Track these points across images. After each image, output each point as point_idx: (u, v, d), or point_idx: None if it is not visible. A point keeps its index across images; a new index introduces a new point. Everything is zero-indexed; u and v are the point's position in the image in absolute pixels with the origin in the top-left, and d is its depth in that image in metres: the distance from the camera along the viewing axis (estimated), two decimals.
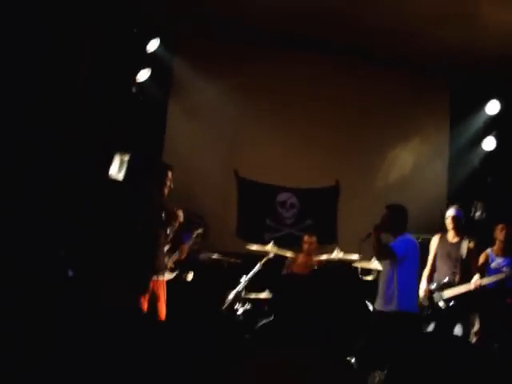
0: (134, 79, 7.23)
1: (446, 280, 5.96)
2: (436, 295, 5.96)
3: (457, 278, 5.97)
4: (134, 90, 7.21)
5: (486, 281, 5.95)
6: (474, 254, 6.16)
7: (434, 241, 6.28)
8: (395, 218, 5.43)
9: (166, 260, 5.29)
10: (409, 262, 5.18)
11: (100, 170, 6.89)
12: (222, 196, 7.90)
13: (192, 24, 7.50)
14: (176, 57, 7.75)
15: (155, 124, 7.66)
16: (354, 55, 8.00)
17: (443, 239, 6.21)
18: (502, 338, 5.83)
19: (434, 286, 6.02)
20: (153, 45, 7.25)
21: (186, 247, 5.54)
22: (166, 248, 5.27)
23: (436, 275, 6.13)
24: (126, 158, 7.04)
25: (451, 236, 6.15)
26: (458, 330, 5.77)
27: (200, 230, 5.85)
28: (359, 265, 6.34)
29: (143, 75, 7.27)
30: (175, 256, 5.47)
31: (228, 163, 7.93)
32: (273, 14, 7.00)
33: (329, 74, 8.08)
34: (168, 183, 5.13)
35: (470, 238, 6.12)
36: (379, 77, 8.18)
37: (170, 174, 5.14)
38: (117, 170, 7.00)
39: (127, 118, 7.15)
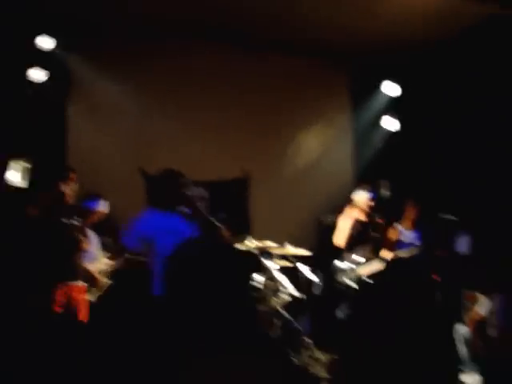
0: (29, 80, 6.87)
1: (359, 259, 6.09)
2: (350, 274, 6.06)
3: (370, 256, 6.12)
4: (30, 91, 6.84)
5: (401, 254, 6.14)
6: (383, 230, 6.34)
7: (345, 221, 6.38)
8: None
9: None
10: None
11: None
12: (132, 196, 7.66)
13: (89, 21, 7.21)
14: (72, 56, 7.40)
15: (56, 126, 7.32)
16: (256, 44, 7.98)
17: (353, 219, 6.34)
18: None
19: (348, 265, 6.13)
20: (48, 43, 6.90)
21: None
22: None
23: (349, 254, 6.25)
24: (28, 164, 6.70)
25: (361, 215, 6.30)
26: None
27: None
28: (275, 251, 6.34)
29: (40, 76, 6.92)
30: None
31: (136, 161, 7.70)
32: (167, 4, 6.83)
33: (233, 64, 8.01)
34: (71, 186, 4.99)
35: (379, 215, 6.30)
36: (281, 64, 8.23)
37: (72, 176, 5.02)
38: (20, 177, 6.64)
39: (25, 122, 6.78)
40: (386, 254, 6.17)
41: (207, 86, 7.90)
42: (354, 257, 6.18)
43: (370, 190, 6.29)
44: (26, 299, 4.57)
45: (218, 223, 6.06)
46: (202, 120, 7.90)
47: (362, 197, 6.29)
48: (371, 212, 6.30)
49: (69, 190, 5.09)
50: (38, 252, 4.75)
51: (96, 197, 5.65)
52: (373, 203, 6.26)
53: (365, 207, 6.27)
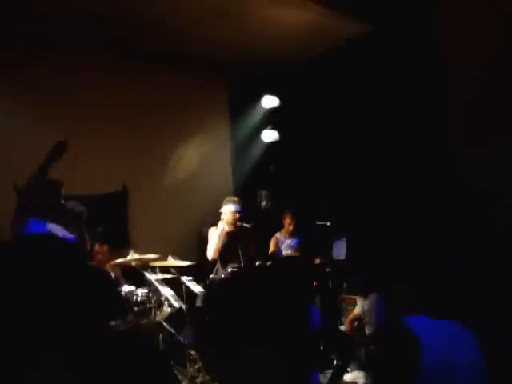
0: None
1: (231, 270, 6.13)
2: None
3: (239, 266, 6.18)
4: None
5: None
6: (253, 240, 6.44)
7: (213, 234, 6.35)
8: None
9: None
10: None
11: None
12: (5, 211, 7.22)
13: None
14: None
15: None
16: (135, 54, 7.85)
17: (221, 231, 6.34)
18: None
19: (220, 276, 6.16)
20: None
21: None
22: None
23: (224, 266, 6.27)
24: None
25: (229, 227, 6.33)
26: None
27: None
28: (157, 263, 6.26)
29: None
30: None
31: (7, 174, 7.26)
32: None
33: (113, 75, 7.81)
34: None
35: (247, 225, 6.40)
36: (161, 75, 8.13)
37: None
38: None
39: None
40: (261, 261, 6.29)
41: (88, 97, 7.63)
42: (228, 268, 6.23)
43: (236, 203, 6.36)
44: None
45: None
46: (80, 132, 7.57)
47: (228, 209, 6.33)
48: (238, 223, 6.38)
49: None
50: None
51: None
52: (239, 215, 6.33)
53: (232, 219, 6.33)
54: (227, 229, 6.30)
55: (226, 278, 5.87)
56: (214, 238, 6.29)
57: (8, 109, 7.22)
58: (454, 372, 2.04)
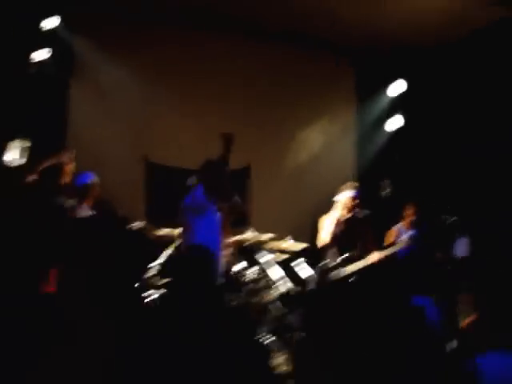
0: (32, 59, 6.79)
1: (344, 256, 6.04)
2: (335, 272, 6.00)
3: (355, 253, 6.06)
4: (32, 70, 6.78)
5: (388, 252, 6.09)
6: (368, 227, 6.28)
7: (326, 221, 6.29)
8: None
9: None
10: None
11: None
12: (133, 181, 7.63)
13: (94, 2, 7.15)
14: (77, 36, 7.34)
15: (57, 107, 7.25)
16: (264, 35, 7.91)
17: (336, 218, 6.25)
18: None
19: (332, 263, 6.08)
20: (52, 23, 6.82)
21: None
22: None
23: (335, 253, 6.19)
24: (27, 144, 6.65)
25: (346, 213, 6.22)
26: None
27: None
28: (273, 244, 6.31)
29: (42, 55, 6.83)
30: None
31: (137, 147, 7.66)
32: None
33: (240, 54, 7.98)
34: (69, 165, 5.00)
35: (363, 212, 6.24)
36: (288, 57, 8.18)
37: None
38: (18, 157, 6.59)
39: (26, 101, 6.72)
40: (373, 252, 6.13)
41: (211, 75, 7.86)
42: (340, 255, 6.13)
43: (353, 189, 6.21)
44: (22, 279, 4.55)
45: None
46: (205, 109, 7.85)
47: (345, 196, 6.21)
48: (355, 210, 6.23)
49: (67, 159, 5.06)
50: (33, 233, 4.72)
51: (85, 172, 5.61)
52: (356, 202, 6.18)
53: (348, 206, 6.19)
54: (343, 215, 6.20)
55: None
56: (327, 224, 6.23)
57: (140, 81, 7.58)
58: None
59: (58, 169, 5.23)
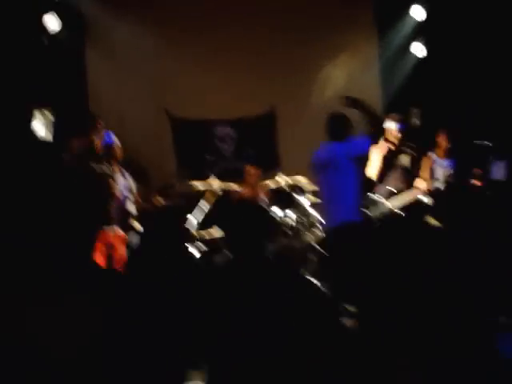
0: (44, 28, 6.70)
1: (392, 189, 5.99)
2: (383, 206, 5.96)
3: (403, 186, 6.01)
4: (45, 40, 6.70)
5: (435, 183, 6.04)
6: (415, 160, 6.21)
7: (375, 152, 6.24)
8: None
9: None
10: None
11: (22, 129, 6.49)
12: (158, 138, 7.62)
13: None
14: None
15: (75, 73, 7.21)
16: None
17: (384, 150, 6.19)
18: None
19: (381, 196, 6.03)
20: None
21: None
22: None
23: (381, 186, 6.14)
24: (51, 116, 6.66)
25: (390, 146, 6.14)
26: None
27: None
28: (306, 186, 6.26)
29: (54, 24, 6.74)
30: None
31: (159, 103, 7.60)
32: None
33: None
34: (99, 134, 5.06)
35: (409, 145, 6.15)
36: None
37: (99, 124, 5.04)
38: (44, 130, 6.62)
39: (43, 71, 6.67)
40: (420, 184, 6.06)
41: (229, 21, 7.69)
42: (387, 188, 6.06)
43: (398, 121, 6.08)
44: (68, 248, 4.65)
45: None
46: (224, 57, 7.72)
47: (389, 128, 6.10)
48: (401, 142, 6.14)
49: (98, 137, 5.13)
50: (77, 201, 4.81)
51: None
52: (401, 134, 6.07)
53: (393, 138, 6.09)
54: (390, 148, 6.10)
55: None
56: (375, 156, 6.15)
57: (156, 37, 7.49)
58: None
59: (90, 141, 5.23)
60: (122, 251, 5.31)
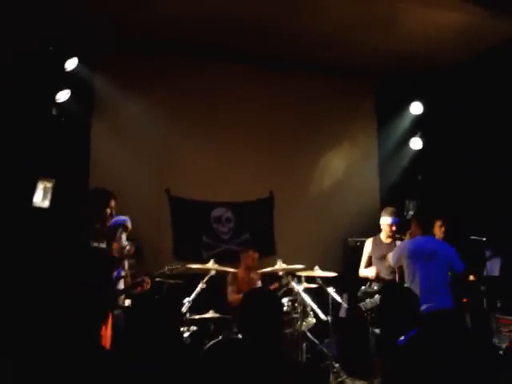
0: (54, 100, 6.85)
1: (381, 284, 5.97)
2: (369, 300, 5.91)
3: (396, 278, 6.00)
4: (54, 111, 6.84)
5: None
6: None
7: (368, 243, 6.31)
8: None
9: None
10: None
11: (23, 198, 6.50)
12: (156, 217, 7.62)
13: (110, 39, 7.23)
14: (96, 74, 7.40)
15: (79, 146, 7.28)
16: (282, 64, 7.96)
17: (377, 241, 6.26)
18: None
19: (374, 290, 6.02)
20: (71, 63, 6.87)
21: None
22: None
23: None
24: (51, 184, 6.69)
25: (384, 238, 6.21)
26: None
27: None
28: (304, 273, 6.26)
29: (63, 95, 6.88)
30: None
31: (159, 182, 7.67)
32: (193, 25, 6.83)
33: (257, 84, 8.02)
34: (110, 211, 4.92)
35: (402, 236, 6.20)
36: (305, 83, 8.17)
37: (112, 202, 4.94)
38: (41, 197, 6.63)
39: (49, 142, 6.77)
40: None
41: (232, 105, 7.89)
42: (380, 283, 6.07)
43: (391, 215, 6.18)
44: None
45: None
46: (225, 140, 7.88)
47: (384, 221, 6.20)
48: (394, 236, 6.22)
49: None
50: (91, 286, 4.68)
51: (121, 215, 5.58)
52: (394, 228, 6.17)
53: (387, 232, 6.18)
54: (384, 240, 6.20)
55: None
56: (368, 247, 6.27)
57: (161, 117, 7.63)
58: None
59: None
60: (109, 331, 5.12)
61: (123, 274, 5.32)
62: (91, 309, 4.59)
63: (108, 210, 4.89)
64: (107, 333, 4.79)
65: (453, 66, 7.63)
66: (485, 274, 6.56)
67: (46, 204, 6.61)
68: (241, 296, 6.15)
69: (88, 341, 4.46)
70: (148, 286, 5.30)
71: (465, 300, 6.33)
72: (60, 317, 4.53)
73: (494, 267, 6.67)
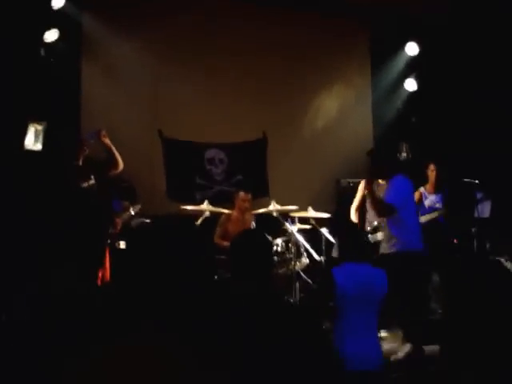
0: (42, 40, 6.67)
1: (376, 223, 6.01)
2: (370, 237, 5.98)
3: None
4: (42, 52, 6.67)
5: (423, 219, 6.08)
6: None
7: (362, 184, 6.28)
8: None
9: None
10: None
11: (14, 141, 6.43)
12: (148, 158, 7.57)
13: None
14: (85, 12, 7.20)
15: (69, 87, 7.15)
16: (273, 3, 7.76)
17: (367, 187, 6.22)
18: None
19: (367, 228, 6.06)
20: (58, 1, 6.64)
21: (119, 221, 5.61)
22: None
23: (367, 217, 6.17)
24: (41, 126, 6.60)
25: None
26: None
27: (137, 208, 5.91)
28: (297, 214, 6.31)
29: (51, 35, 6.70)
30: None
31: (152, 123, 7.59)
32: None
33: (249, 23, 7.83)
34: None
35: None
36: (299, 23, 7.98)
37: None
38: (33, 140, 6.55)
39: (38, 83, 6.63)
40: None
41: (224, 46, 7.72)
42: (371, 219, 6.10)
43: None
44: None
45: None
46: (218, 81, 7.75)
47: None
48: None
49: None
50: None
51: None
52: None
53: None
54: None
55: None
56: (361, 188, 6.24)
57: (153, 57, 7.49)
58: None
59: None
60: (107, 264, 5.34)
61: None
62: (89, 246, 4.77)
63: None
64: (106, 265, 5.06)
65: (450, 6, 7.48)
66: (476, 215, 6.63)
67: (38, 147, 6.54)
68: (224, 243, 6.37)
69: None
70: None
71: (455, 240, 6.44)
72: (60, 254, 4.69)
73: (484, 209, 6.75)
